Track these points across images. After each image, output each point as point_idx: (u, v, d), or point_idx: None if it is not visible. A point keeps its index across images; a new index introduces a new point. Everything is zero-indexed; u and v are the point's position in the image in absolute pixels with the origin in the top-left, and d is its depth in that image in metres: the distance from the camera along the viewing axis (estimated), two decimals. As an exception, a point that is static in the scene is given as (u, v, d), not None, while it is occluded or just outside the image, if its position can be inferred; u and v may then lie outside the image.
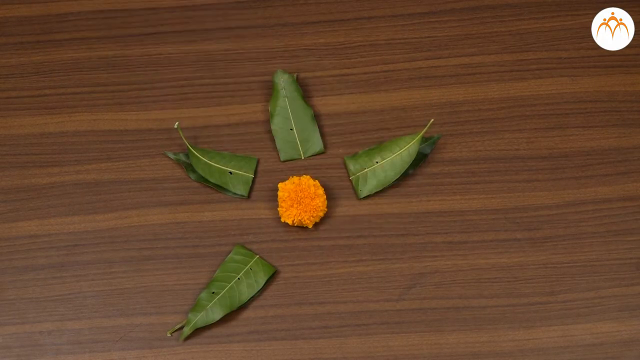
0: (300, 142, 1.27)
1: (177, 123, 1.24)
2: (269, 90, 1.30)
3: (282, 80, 1.28)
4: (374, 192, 1.25)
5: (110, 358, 1.20)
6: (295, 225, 1.23)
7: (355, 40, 1.33)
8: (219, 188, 1.25)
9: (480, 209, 1.25)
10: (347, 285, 1.23)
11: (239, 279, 1.21)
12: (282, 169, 1.27)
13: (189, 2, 1.35)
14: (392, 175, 1.24)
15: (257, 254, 1.23)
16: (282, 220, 1.22)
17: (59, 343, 1.21)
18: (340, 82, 1.31)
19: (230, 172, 1.25)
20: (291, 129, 1.27)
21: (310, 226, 1.23)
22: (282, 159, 1.27)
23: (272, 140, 1.28)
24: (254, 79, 1.31)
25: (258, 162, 1.27)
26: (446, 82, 1.31)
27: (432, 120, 1.24)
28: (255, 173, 1.26)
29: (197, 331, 1.21)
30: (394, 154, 1.24)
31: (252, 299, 1.22)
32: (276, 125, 1.28)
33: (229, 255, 1.22)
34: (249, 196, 1.25)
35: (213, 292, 1.20)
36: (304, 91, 1.30)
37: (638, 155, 1.27)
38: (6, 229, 1.25)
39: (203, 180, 1.25)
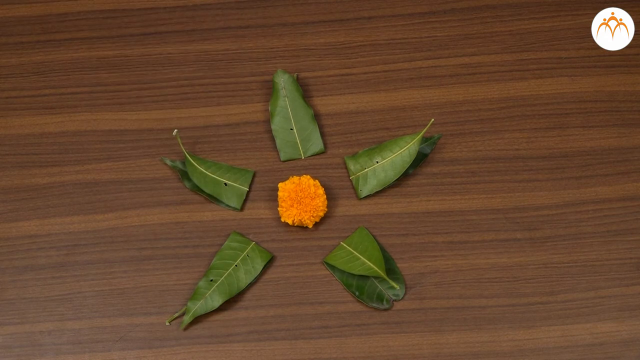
0: (300, 142, 1.27)
1: (175, 131, 1.24)
2: (269, 90, 1.30)
3: (282, 80, 1.28)
4: (374, 192, 1.25)
5: (110, 358, 1.20)
6: (296, 225, 1.23)
7: (355, 40, 1.33)
8: (213, 199, 1.25)
9: (480, 209, 1.25)
10: (347, 285, 1.23)
11: (236, 265, 1.21)
12: (282, 169, 1.27)
13: (189, 2, 1.35)
14: (392, 175, 1.24)
15: (253, 241, 1.23)
16: (282, 220, 1.22)
17: (59, 343, 1.21)
18: (340, 82, 1.31)
19: (225, 184, 1.25)
20: (291, 129, 1.27)
21: (310, 226, 1.23)
22: (282, 159, 1.27)
23: (272, 140, 1.28)
24: (254, 79, 1.31)
25: (254, 175, 1.26)
26: (446, 82, 1.31)
27: (433, 120, 1.24)
28: (251, 186, 1.26)
29: (197, 331, 1.21)
30: (394, 153, 1.24)
31: (252, 297, 1.22)
32: (276, 125, 1.28)
33: (225, 243, 1.22)
34: (241, 209, 1.25)
35: (211, 280, 1.20)
36: (304, 91, 1.30)
37: (638, 155, 1.27)
38: (6, 229, 1.25)
39: (197, 190, 1.25)
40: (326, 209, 1.23)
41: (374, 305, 1.20)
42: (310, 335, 1.21)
